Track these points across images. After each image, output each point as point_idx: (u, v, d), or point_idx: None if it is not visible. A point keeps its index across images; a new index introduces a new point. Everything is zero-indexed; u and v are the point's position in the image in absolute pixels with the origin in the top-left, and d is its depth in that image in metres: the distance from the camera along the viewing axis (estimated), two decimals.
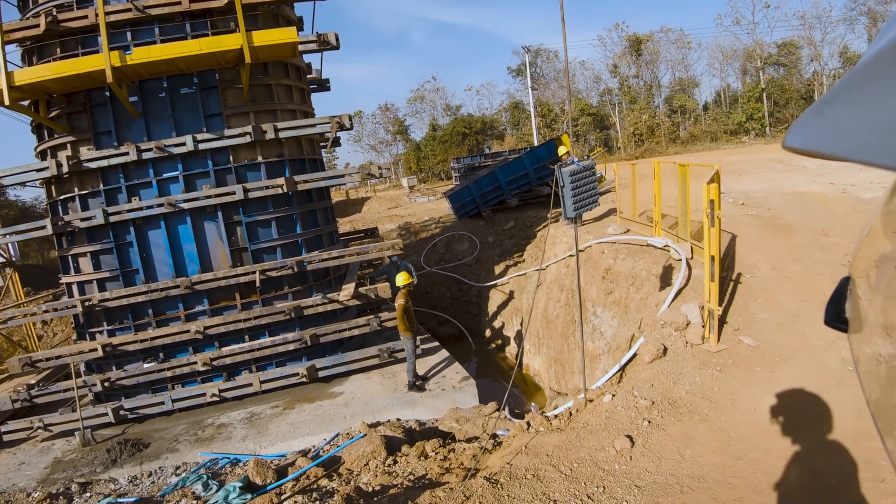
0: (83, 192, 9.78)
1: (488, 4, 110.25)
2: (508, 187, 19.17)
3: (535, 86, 48.03)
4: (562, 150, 14.40)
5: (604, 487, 4.60)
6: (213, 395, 9.67)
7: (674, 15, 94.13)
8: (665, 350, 6.93)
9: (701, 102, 56.49)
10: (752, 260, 8.91)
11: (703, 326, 6.97)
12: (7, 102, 8.57)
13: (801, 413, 5.18)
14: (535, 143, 38.06)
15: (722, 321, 7.07)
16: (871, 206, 11.13)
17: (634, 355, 7.40)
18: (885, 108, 0.45)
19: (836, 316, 0.94)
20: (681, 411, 5.55)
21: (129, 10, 9.01)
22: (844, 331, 0.92)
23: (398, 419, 8.79)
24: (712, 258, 6.57)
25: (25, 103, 9.49)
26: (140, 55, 8.63)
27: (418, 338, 10.31)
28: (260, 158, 10.07)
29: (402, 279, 9.44)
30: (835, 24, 49.43)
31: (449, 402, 9.09)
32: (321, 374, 10.05)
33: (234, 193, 9.61)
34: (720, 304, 6.89)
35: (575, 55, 72.91)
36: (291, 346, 10.00)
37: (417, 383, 9.54)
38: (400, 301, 9.25)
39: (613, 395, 6.42)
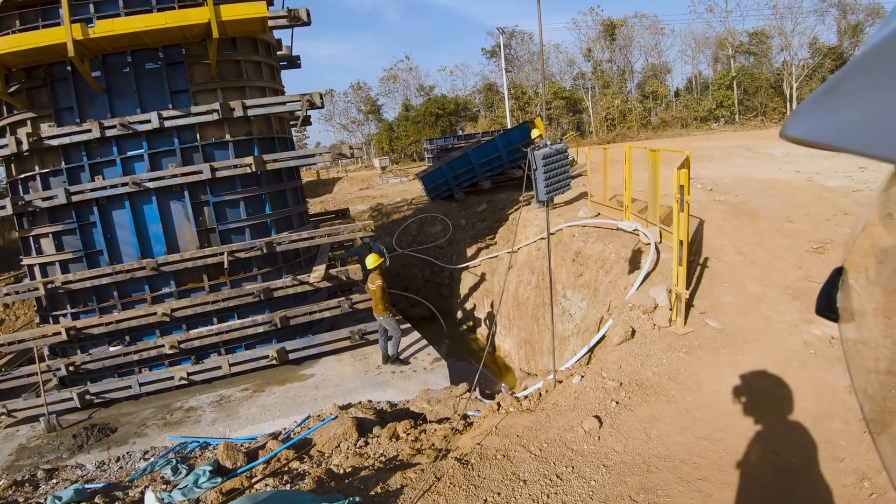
0: (44, 171, 9.46)
1: None
2: (481, 169, 19.15)
3: (508, 68, 47.93)
4: (535, 133, 14.41)
5: (573, 467, 4.68)
6: (182, 378, 9.53)
7: (648, 0, 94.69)
8: (633, 332, 7.04)
9: (672, 89, 57.20)
10: (718, 244, 9.09)
11: (671, 309, 7.11)
12: None
13: (763, 394, 5.33)
14: (509, 126, 38.07)
15: (689, 304, 7.21)
16: (836, 193, 11.44)
17: (603, 337, 7.52)
18: (885, 99, 0.44)
19: (828, 306, 0.95)
20: (648, 392, 5.67)
21: None
22: (835, 320, 0.93)
23: (369, 401, 8.80)
24: (680, 242, 6.67)
25: None
26: (103, 28, 8.31)
27: None
28: (228, 137, 9.84)
29: (371, 261, 9.39)
30: (805, 14, 50.29)
31: (420, 384, 9.13)
32: (291, 356, 9.98)
33: (201, 172, 9.39)
34: (687, 288, 7.02)
35: (549, 38, 72.65)
36: (261, 329, 9.90)
37: (402, 357, 9.71)
38: (378, 282, 9.25)
39: (582, 377, 6.52)
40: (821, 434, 4.40)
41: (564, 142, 19.95)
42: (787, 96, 48.95)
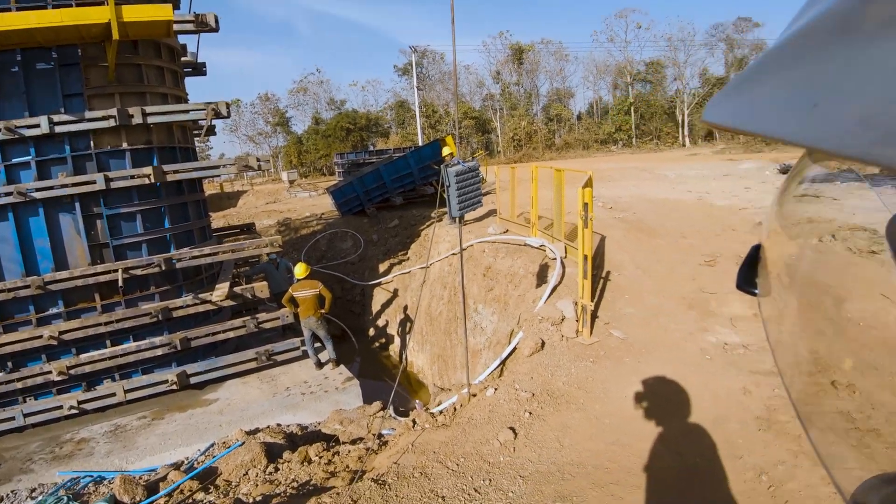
0: None
1: (377, 1, 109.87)
2: (393, 185, 19.15)
3: (420, 86, 48.42)
4: (446, 151, 14.61)
5: (490, 480, 4.73)
6: (72, 407, 8.76)
7: (553, 27, 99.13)
8: (543, 344, 7.25)
9: (575, 112, 60.35)
10: (619, 259, 9.59)
11: (577, 321, 7.39)
12: None
13: (665, 399, 5.64)
14: (420, 143, 38.40)
15: (594, 316, 7.53)
16: (724, 211, 12.40)
17: (514, 349, 7.69)
18: (792, 86, 0.48)
19: (747, 280, 1.01)
20: (559, 402, 5.84)
21: None
22: (754, 294, 1.00)
23: (278, 424, 8.48)
24: (585, 257, 6.97)
25: None
26: None
27: (298, 339, 10.09)
28: (125, 145, 9.24)
29: (301, 269, 10.04)
30: (697, 47, 55.11)
31: (332, 404, 8.92)
32: (193, 380, 9.45)
33: (94, 182, 8.74)
34: (592, 300, 7.33)
35: (460, 59, 74.49)
36: (159, 351, 9.30)
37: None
38: (317, 289, 9.72)
39: (496, 389, 6.61)
40: (719, 435, 4.72)
41: (476, 160, 20.37)
42: (680, 122, 53.02)
